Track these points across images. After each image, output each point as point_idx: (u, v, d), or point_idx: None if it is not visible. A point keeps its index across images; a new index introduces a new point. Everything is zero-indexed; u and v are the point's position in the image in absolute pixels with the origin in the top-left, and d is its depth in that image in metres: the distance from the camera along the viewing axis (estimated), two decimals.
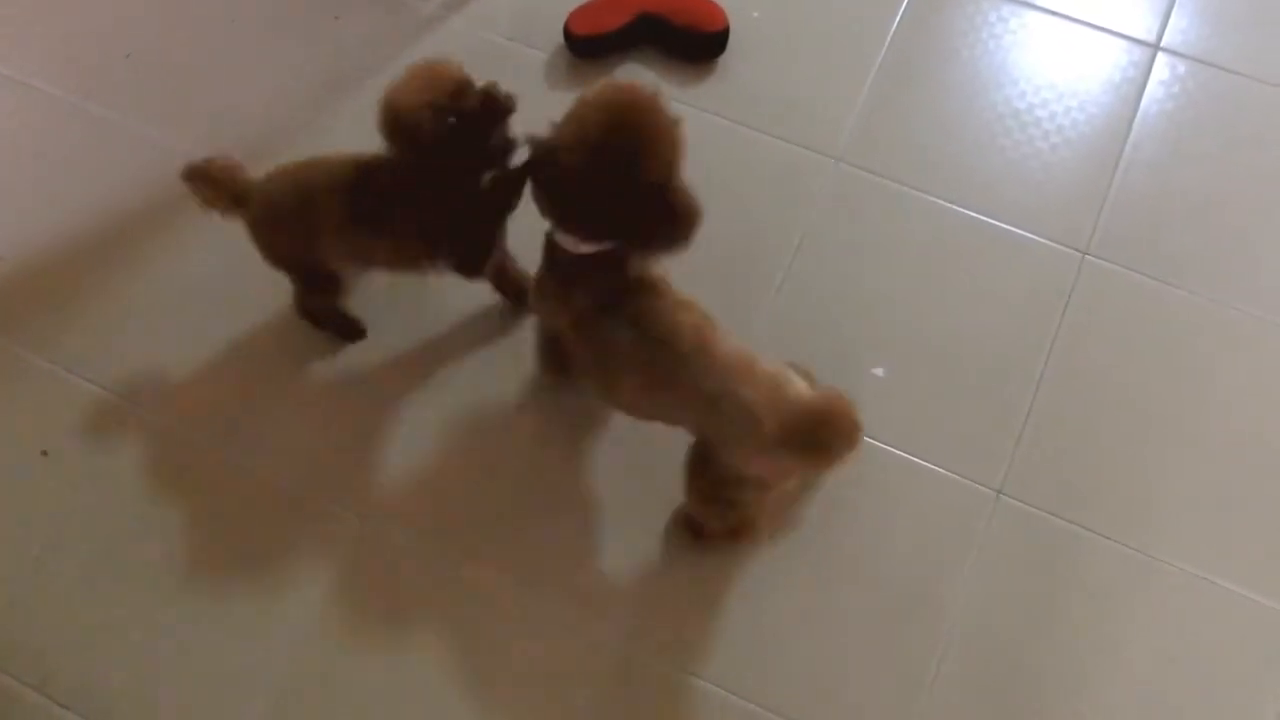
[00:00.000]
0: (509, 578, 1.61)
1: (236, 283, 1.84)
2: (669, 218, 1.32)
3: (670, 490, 1.52)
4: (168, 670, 1.59)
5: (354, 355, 1.78)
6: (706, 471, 1.44)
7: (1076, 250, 1.83)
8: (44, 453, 1.73)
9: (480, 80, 1.46)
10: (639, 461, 1.67)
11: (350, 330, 1.78)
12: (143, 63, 2.06)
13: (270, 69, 2.04)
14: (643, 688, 1.56)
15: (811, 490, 1.65)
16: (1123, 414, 1.72)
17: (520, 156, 1.44)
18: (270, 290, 1.83)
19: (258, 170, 1.58)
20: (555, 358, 1.64)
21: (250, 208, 1.57)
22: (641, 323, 1.37)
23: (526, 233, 1.50)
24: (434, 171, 1.46)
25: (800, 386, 1.34)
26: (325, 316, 1.76)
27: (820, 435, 1.28)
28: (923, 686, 1.55)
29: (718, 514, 1.54)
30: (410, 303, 1.80)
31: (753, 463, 1.39)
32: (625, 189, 1.29)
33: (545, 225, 1.40)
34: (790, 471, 1.45)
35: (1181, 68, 1.97)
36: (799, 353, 1.72)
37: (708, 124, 1.93)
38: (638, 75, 1.99)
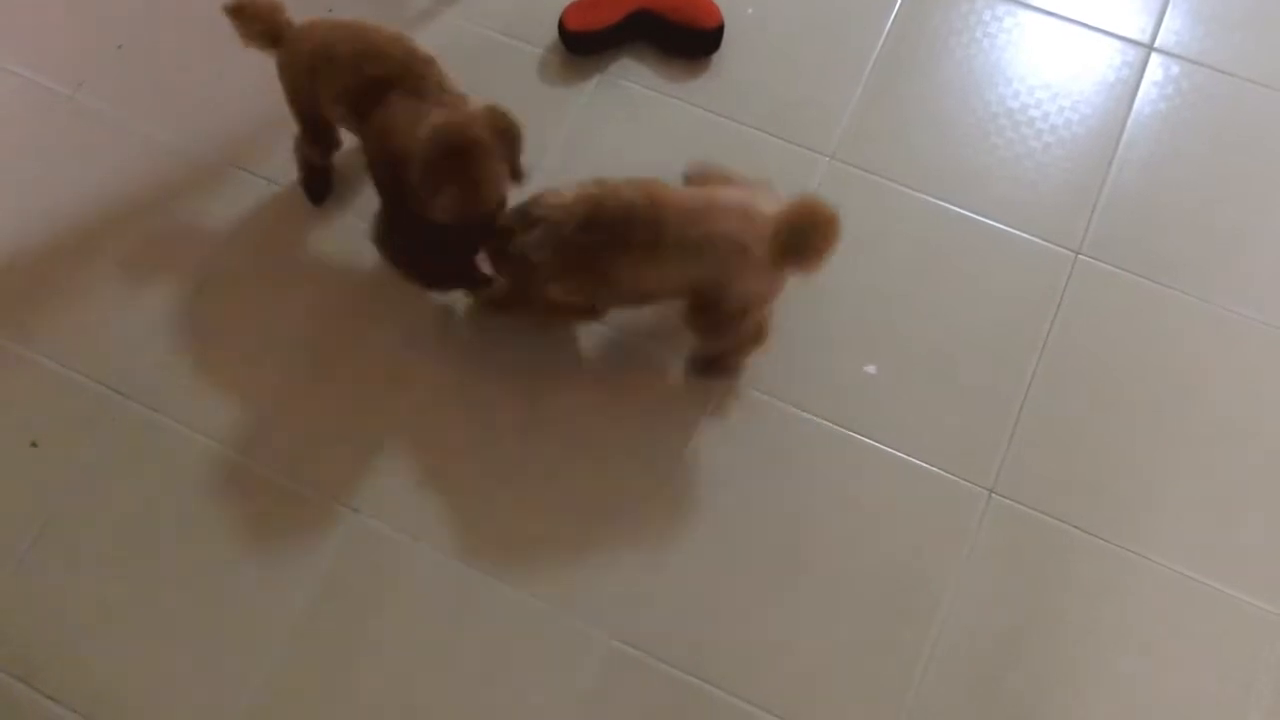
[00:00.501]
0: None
1: (225, 273, 1.84)
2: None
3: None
4: (156, 663, 1.58)
5: (356, 347, 1.77)
6: (707, 314, 1.54)
7: (1069, 250, 1.83)
8: (33, 444, 1.73)
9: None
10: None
11: (318, 189, 1.88)
12: (134, 54, 2.05)
13: (263, 61, 2.02)
14: (631, 683, 1.56)
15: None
16: (1114, 414, 1.72)
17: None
18: (261, 277, 1.83)
19: None
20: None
21: (281, 49, 1.66)
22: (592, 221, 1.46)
23: None
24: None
25: (767, 202, 1.44)
26: (308, 168, 1.86)
27: (805, 241, 1.38)
28: (912, 683, 1.55)
29: (728, 339, 1.63)
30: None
31: (751, 289, 1.48)
32: None
33: None
34: (783, 280, 1.52)
35: (1175, 68, 1.97)
36: (792, 350, 1.74)
37: (701, 120, 1.93)
38: (632, 71, 1.98)
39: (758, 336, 1.65)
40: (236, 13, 1.63)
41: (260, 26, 1.63)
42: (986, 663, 1.57)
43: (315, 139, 1.78)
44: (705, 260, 1.46)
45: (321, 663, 1.58)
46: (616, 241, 1.46)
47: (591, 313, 1.67)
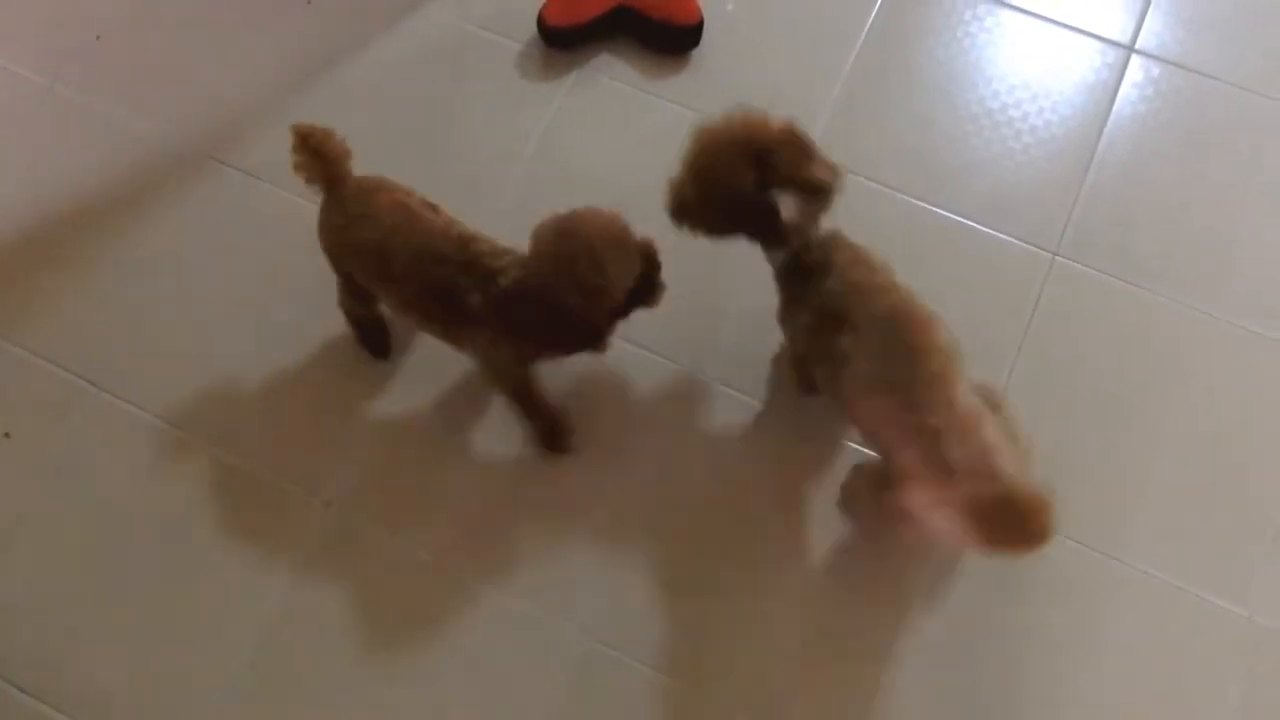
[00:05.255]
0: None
1: (204, 266, 1.83)
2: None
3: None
4: (131, 658, 1.58)
5: (325, 341, 1.77)
6: (880, 484, 1.44)
7: (1047, 251, 1.83)
8: (6, 434, 1.72)
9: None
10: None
11: (376, 343, 1.74)
12: (113, 45, 2.04)
13: (242, 53, 2.02)
14: (611, 682, 1.56)
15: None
16: (1091, 416, 1.72)
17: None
18: (236, 275, 1.83)
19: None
20: (803, 377, 1.62)
21: (330, 201, 1.52)
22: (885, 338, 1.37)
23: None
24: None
25: (1010, 465, 1.28)
26: (358, 324, 1.72)
27: (1004, 527, 1.26)
28: (885, 687, 1.55)
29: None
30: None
31: (927, 501, 1.34)
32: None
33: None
34: (952, 527, 1.33)
35: (1155, 70, 1.97)
36: (768, 350, 1.74)
37: (680, 117, 1.92)
38: (611, 67, 1.98)
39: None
40: (301, 140, 1.48)
41: (320, 168, 1.49)
42: (965, 668, 1.57)
43: (355, 293, 1.64)
44: (925, 449, 1.32)
45: (298, 660, 1.58)
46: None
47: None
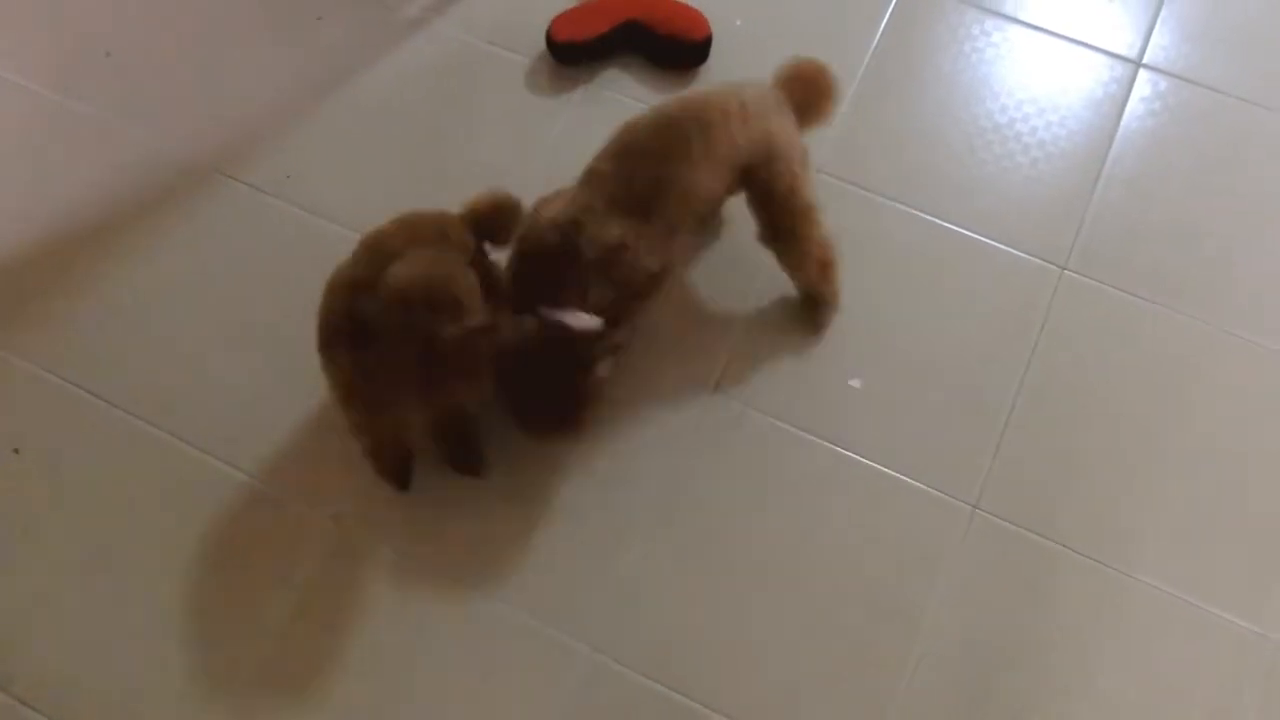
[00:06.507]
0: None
1: (212, 281, 1.83)
2: None
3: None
4: (135, 671, 1.57)
5: None
6: (769, 204, 1.62)
7: (1055, 265, 1.82)
8: (15, 450, 1.72)
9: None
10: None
11: (401, 474, 1.67)
12: (123, 60, 2.04)
13: (251, 68, 2.03)
14: (615, 694, 1.55)
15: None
16: (1100, 430, 1.72)
17: None
18: (244, 289, 1.83)
19: None
20: None
21: None
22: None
23: None
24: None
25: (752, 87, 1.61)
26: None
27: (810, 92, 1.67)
28: (893, 702, 1.54)
29: (803, 247, 1.68)
30: None
31: (780, 143, 1.58)
32: None
33: None
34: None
35: (1163, 84, 1.97)
36: (776, 363, 1.73)
37: None
38: (619, 82, 1.98)
39: (825, 262, 1.70)
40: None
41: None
42: (968, 680, 1.56)
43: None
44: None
45: (297, 672, 1.57)
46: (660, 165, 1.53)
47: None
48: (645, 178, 1.52)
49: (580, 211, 1.51)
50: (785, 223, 1.63)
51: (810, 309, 1.78)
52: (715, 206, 1.65)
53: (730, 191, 1.62)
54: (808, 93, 1.66)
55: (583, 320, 1.46)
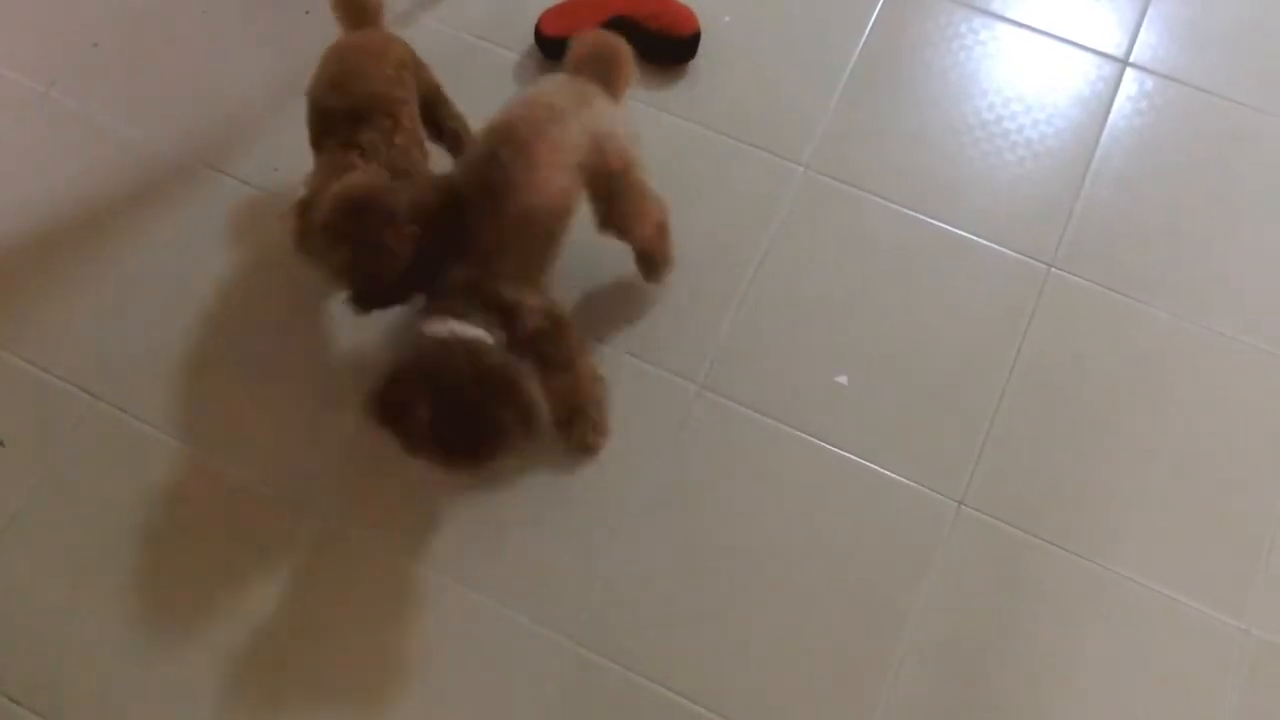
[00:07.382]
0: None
1: (199, 274, 1.83)
2: None
3: None
4: (119, 666, 1.57)
5: (323, 346, 1.77)
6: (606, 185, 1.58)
7: (1042, 263, 1.83)
8: (1, 443, 1.71)
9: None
10: None
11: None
12: (110, 52, 2.03)
13: (239, 61, 2.02)
14: (599, 689, 1.55)
15: None
16: (1085, 427, 1.72)
17: None
18: (231, 283, 1.82)
19: None
20: None
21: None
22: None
23: None
24: None
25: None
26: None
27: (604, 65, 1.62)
28: (879, 698, 1.55)
29: (643, 217, 1.65)
30: None
31: (603, 129, 1.54)
32: None
33: None
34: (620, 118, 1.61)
35: (1150, 83, 1.98)
36: (763, 360, 1.74)
37: (676, 128, 1.93)
38: None
39: (661, 223, 1.69)
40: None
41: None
42: (953, 676, 1.57)
43: None
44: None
45: (286, 671, 1.57)
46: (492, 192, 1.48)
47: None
48: (485, 226, 1.48)
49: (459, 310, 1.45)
50: (627, 201, 1.61)
51: (649, 270, 1.75)
52: (569, 213, 1.59)
53: (578, 190, 1.57)
54: (601, 67, 1.62)
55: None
